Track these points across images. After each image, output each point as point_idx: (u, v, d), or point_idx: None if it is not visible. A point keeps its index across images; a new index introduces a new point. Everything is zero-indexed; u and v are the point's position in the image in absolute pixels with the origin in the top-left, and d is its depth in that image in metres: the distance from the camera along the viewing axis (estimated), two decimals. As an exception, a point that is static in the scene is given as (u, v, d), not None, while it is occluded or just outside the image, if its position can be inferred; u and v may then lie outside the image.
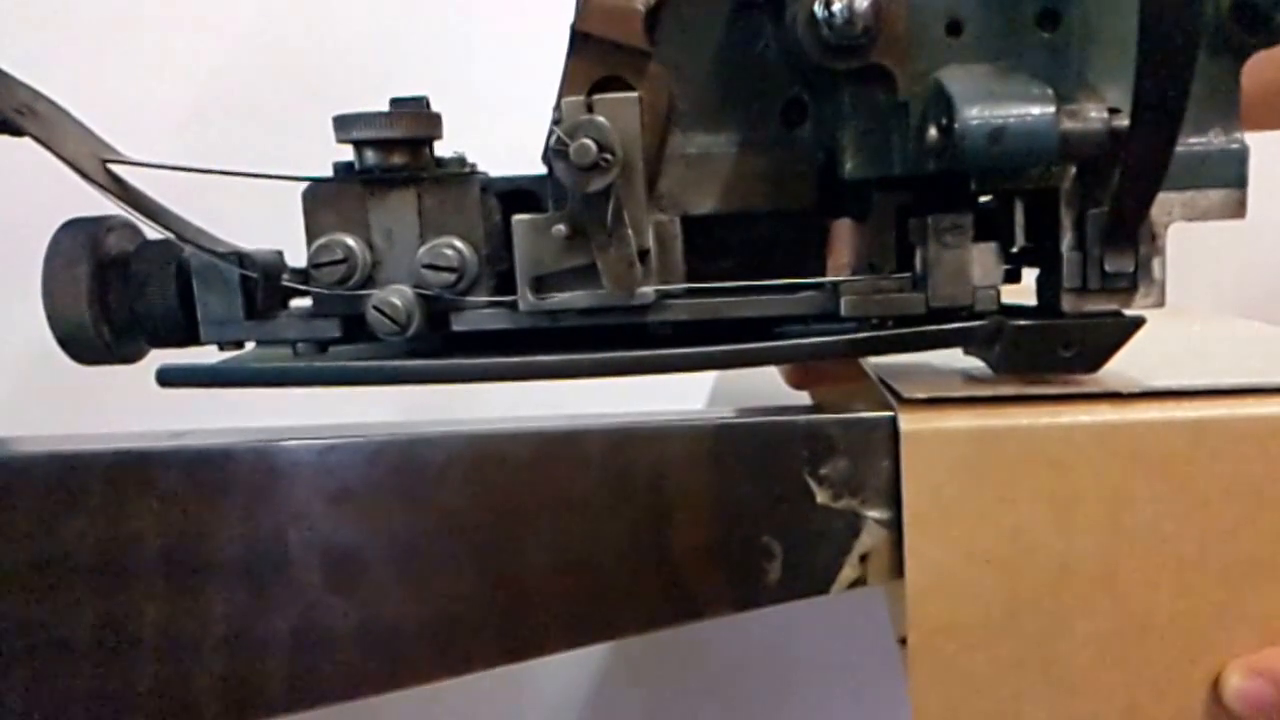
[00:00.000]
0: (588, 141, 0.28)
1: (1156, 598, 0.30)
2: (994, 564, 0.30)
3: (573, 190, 0.29)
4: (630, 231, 0.30)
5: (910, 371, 0.35)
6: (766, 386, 0.51)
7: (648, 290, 0.31)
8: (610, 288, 0.31)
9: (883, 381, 0.33)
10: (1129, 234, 0.29)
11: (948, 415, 0.30)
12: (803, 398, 0.53)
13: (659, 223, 0.32)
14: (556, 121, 0.29)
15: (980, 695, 0.31)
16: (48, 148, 0.30)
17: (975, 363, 0.33)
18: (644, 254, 0.31)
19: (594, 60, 0.30)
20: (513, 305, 0.32)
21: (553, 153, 0.29)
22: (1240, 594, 0.30)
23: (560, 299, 0.32)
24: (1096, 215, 0.29)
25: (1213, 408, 0.29)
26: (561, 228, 0.30)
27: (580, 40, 0.30)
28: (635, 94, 0.29)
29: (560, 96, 0.30)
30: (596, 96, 0.29)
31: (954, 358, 0.35)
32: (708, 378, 0.64)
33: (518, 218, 0.31)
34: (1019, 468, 0.30)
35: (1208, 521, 0.30)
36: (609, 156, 0.28)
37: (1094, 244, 0.29)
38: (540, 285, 0.31)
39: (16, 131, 0.30)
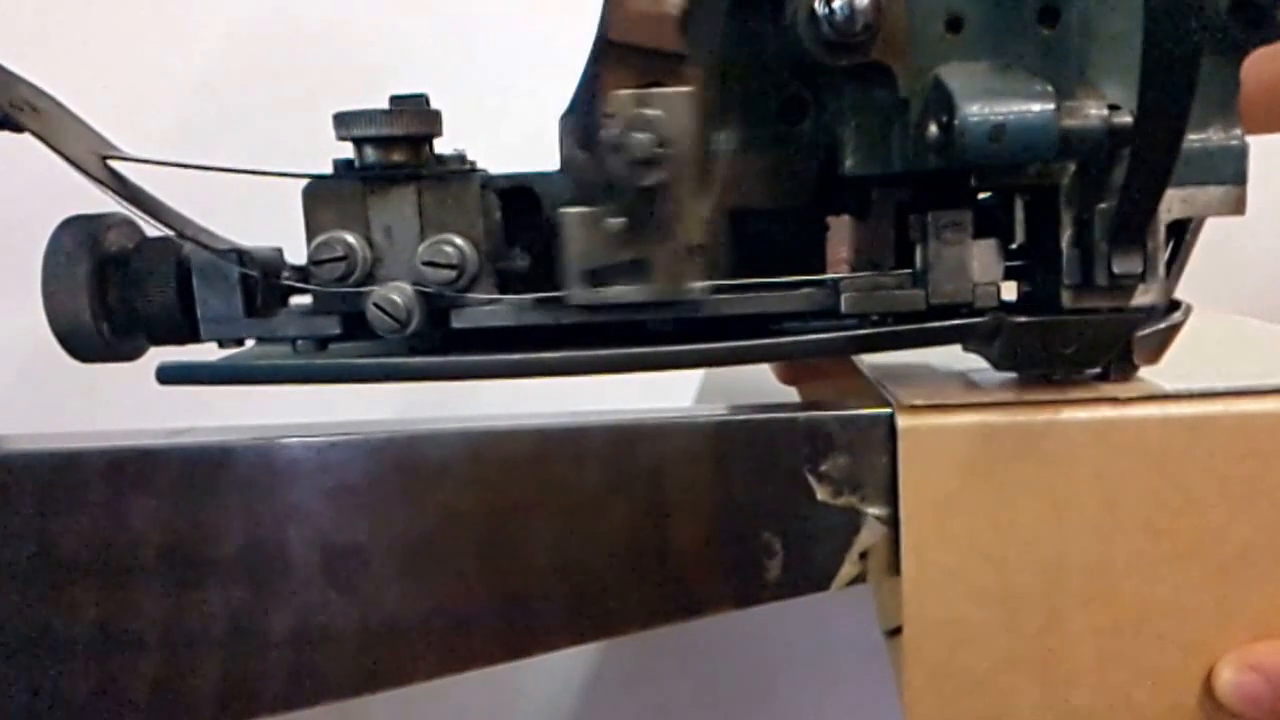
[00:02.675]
0: (642, 135, 0.28)
1: (1151, 593, 0.30)
2: (990, 560, 0.30)
3: (626, 184, 0.29)
4: (683, 226, 0.30)
5: (907, 373, 0.35)
6: (756, 383, 0.51)
7: (699, 285, 0.31)
8: (661, 282, 0.31)
9: (880, 385, 0.33)
10: (1136, 234, 0.28)
11: (945, 412, 0.30)
12: (793, 393, 0.53)
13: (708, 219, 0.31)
14: (608, 115, 0.29)
15: (975, 691, 0.31)
16: (48, 144, 0.30)
17: (975, 361, 0.34)
18: (696, 249, 0.31)
19: (628, 68, 0.30)
20: (513, 303, 0.32)
21: (606, 147, 0.29)
22: (1234, 589, 0.30)
23: (611, 293, 0.31)
24: (1104, 211, 0.29)
25: (1208, 406, 0.30)
26: (614, 221, 0.30)
27: (612, 50, 0.30)
28: (690, 89, 0.29)
29: (585, 102, 0.30)
30: (653, 90, 0.29)
31: (953, 356, 0.35)
32: (696, 374, 0.64)
33: (567, 211, 0.31)
34: (1016, 464, 0.30)
35: (1202, 517, 0.30)
36: (664, 151, 0.28)
37: (1100, 241, 0.29)
38: (590, 279, 0.31)
39: (16, 128, 0.30)
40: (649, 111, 0.28)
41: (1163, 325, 0.31)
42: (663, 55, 0.30)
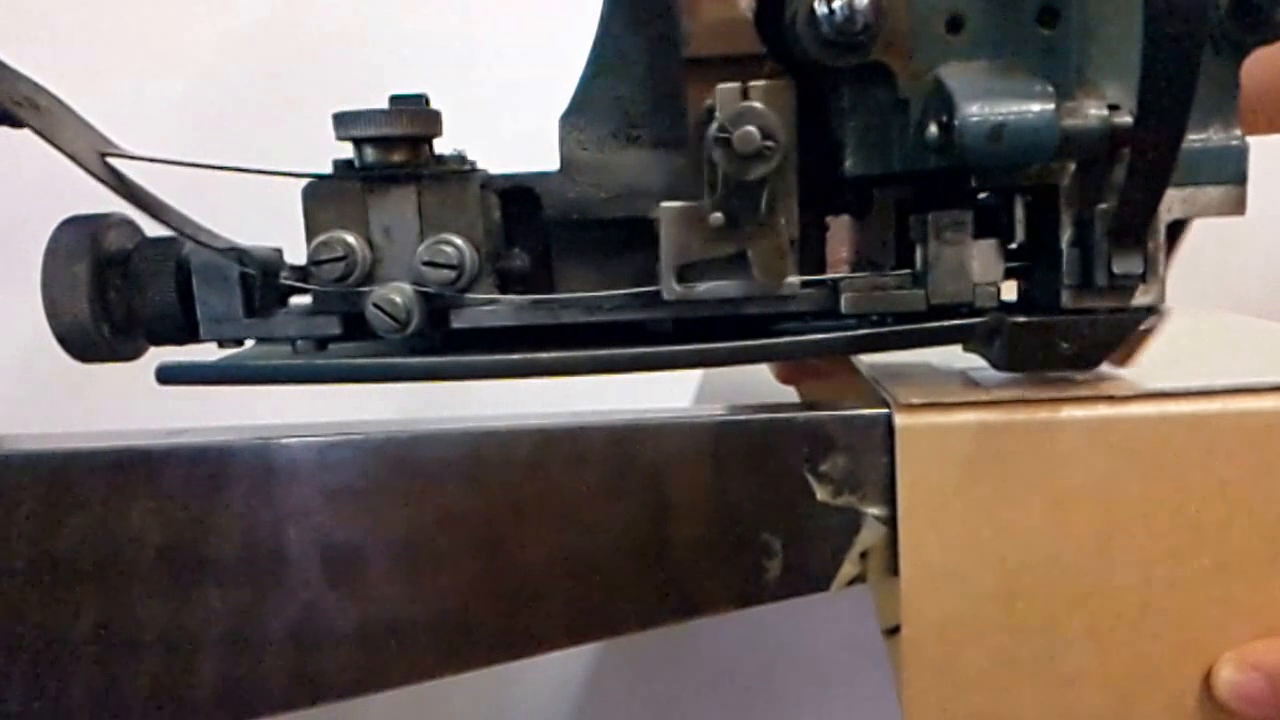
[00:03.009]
0: (751, 129, 0.28)
1: (1150, 592, 0.30)
2: (989, 559, 0.30)
3: (731, 178, 0.29)
4: (783, 220, 0.30)
5: (906, 372, 0.35)
6: (753, 383, 0.51)
7: (794, 280, 0.31)
8: (760, 277, 0.31)
9: (878, 384, 0.33)
10: (1136, 234, 0.29)
11: (943, 410, 0.30)
12: (790, 393, 0.53)
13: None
14: (711, 110, 0.29)
15: (973, 690, 0.31)
16: (48, 140, 0.30)
17: (974, 360, 0.34)
18: (793, 243, 0.31)
19: (714, 80, 0.29)
20: (514, 303, 0.32)
21: (714, 141, 0.29)
22: (1233, 588, 0.30)
23: (706, 288, 0.31)
24: (1103, 212, 0.29)
25: (1207, 404, 0.30)
26: (718, 216, 0.30)
27: (694, 66, 0.30)
28: (788, 80, 0.29)
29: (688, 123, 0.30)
30: (753, 83, 0.29)
31: (953, 354, 0.35)
32: (694, 374, 0.64)
33: (666, 205, 0.31)
34: (1013, 463, 0.30)
35: (1201, 516, 0.30)
36: (771, 144, 0.28)
37: (1100, 241, 0.29)
38: (684, 275, 0.31)
39: (17, 124, 0.30)
40: (757, 105, 0.28)
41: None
42: (745, 59, 0.30)
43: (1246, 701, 0.30)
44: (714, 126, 0.28)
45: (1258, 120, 0.34)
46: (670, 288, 0.31)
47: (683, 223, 0.31)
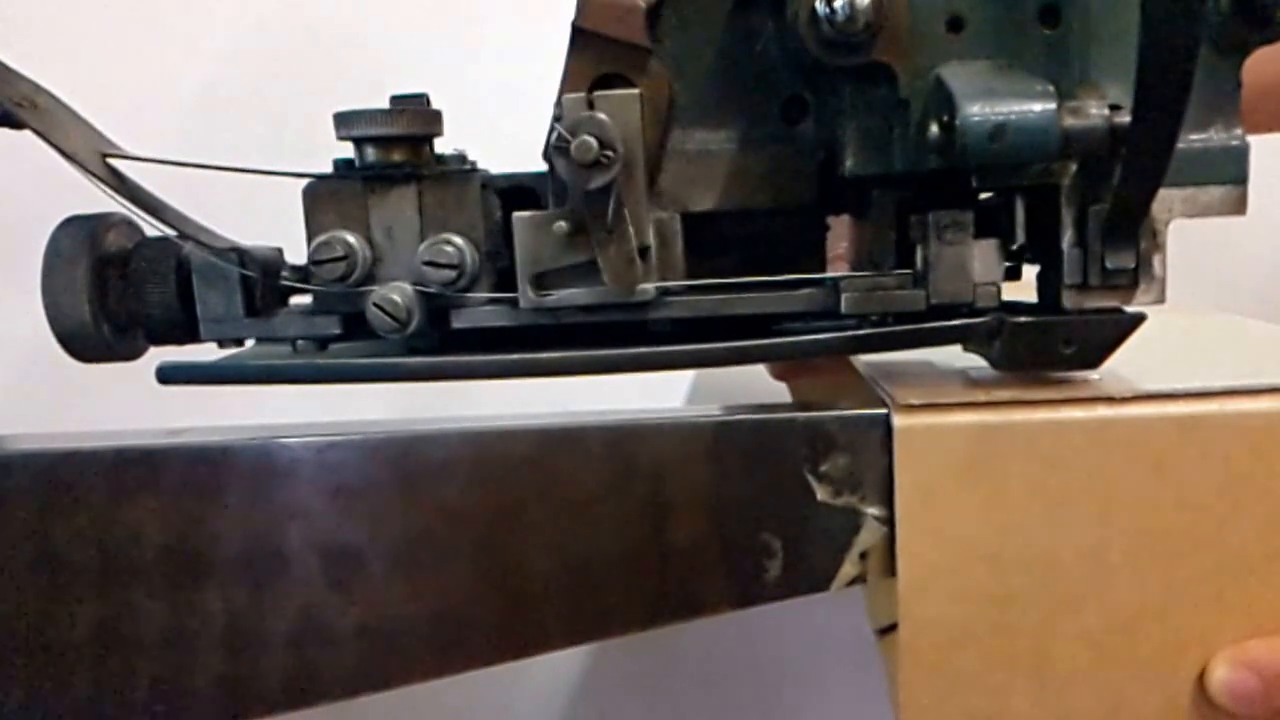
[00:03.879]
0: (589, 138, 0.28)
1: (1145, 593, 0.30)
2: (985, 560, 0.30)
3: (574, 187, 0.29)
4: (631, 228, 0.30)
5: (904, 370, 0.35)
6: (748, 382, 0.51)
7: (648, 287, 0.31)
8: (610, 284, 0.31)
9: (876, 384, 0.33)
10: (1130, 231, 0.29)
11: (941, 412, 0.30)
12: (785, 390, 0.53)
13: (659, 219, 0.32)
14: (558, 119, 0.29)
15: (969, 691, 0.31)
16: (48, 141, 0.30)
17: (974, 360, 0.34)
18: (644, 250, 0.31)
19: (594, 57, 0.30)
20: (513, 302, 0.32)
21: (554, 150, 0.29)
22: (1228, 588, 0.30)
23: (560, 296, 0.32)
24: (1097, 211, 0.29)
25: (1203, 405, 0.30)
26: (563, 224, 0.31)
27: (581, 37, 0.30)
28: (636, 91, 0.30)
29: (561, 93, 0.30)
30: (597, 93, 0.29)
31: (952, 356, 0.35)
32: (687, 373, 0.64)
33: (518, 215, 0.31)
34: (1011, 464, 0.30)
35: (1197, 517, 0.30)
36: (610, 154, 0.29)
37: (1095, 240, 0.29)
38: (540, 282, 0.32)
39: (17, 124, 0.30)
40: (596, 114, 0.29)
41: None
42: (628, 47, 0.30)
43: (1240, 700, 0.30)
44: (554, 136, 0.29)
45: (1258, 120, 0.34)
46: (526, 296, 0.31)
47: (533, 231, 0.31)
